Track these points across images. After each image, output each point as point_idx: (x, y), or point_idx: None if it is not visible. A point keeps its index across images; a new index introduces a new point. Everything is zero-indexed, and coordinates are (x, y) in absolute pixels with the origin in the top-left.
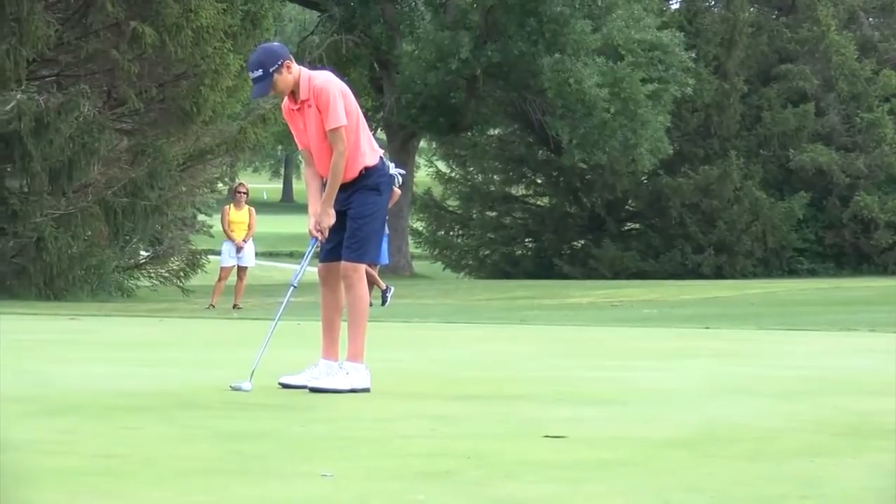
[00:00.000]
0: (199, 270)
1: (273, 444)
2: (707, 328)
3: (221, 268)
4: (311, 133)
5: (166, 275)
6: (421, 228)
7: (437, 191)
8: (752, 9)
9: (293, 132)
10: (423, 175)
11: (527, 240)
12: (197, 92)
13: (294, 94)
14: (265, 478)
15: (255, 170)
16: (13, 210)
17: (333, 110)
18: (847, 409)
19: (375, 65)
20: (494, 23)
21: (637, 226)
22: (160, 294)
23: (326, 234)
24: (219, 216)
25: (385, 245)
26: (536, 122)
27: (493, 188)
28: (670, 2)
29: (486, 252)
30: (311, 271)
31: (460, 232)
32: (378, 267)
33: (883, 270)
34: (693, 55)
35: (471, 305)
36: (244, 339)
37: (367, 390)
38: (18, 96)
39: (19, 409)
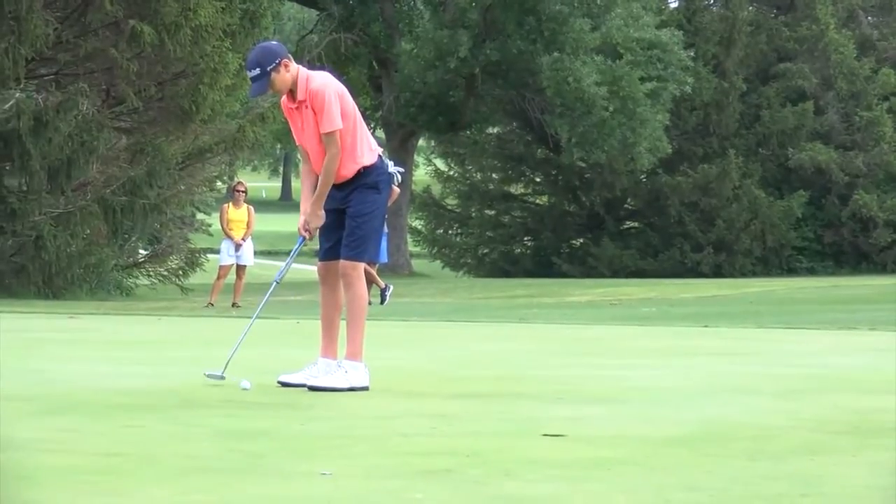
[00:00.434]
0: (198, 269)
1: (272, 442)
2: (706, 327)
3: (220, 266)
4: (307, 133)
5: (165, 273)
6: (420, 227)
7: (436, 189)
8: (750, 7)
9: (292, 129)
10: (421, 173)
11: (526, 238)
12: (196, 90)
13: (293, 92)
14: (265, 476)
15: (254, 168)
16: (12, 208)
17: (328, 114)
18: (847, 408)
19: (374, 63)
20: (493, 21)
21: (636, 224)
22: (159, 293)
23: (315, 234)
24: (217, 215)
25: (384, 243)
26: (535, 120)
27: (491, 187)
28: (669, 0)
29: (485, 251)
30: (307, 270)
31: (459, 230)
32: (377, 265)
33: (882, 269)
34: (692, 54)
35: (470, 304)
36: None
37: (365, 389)
38: (17, 95)
39: (20, 407)
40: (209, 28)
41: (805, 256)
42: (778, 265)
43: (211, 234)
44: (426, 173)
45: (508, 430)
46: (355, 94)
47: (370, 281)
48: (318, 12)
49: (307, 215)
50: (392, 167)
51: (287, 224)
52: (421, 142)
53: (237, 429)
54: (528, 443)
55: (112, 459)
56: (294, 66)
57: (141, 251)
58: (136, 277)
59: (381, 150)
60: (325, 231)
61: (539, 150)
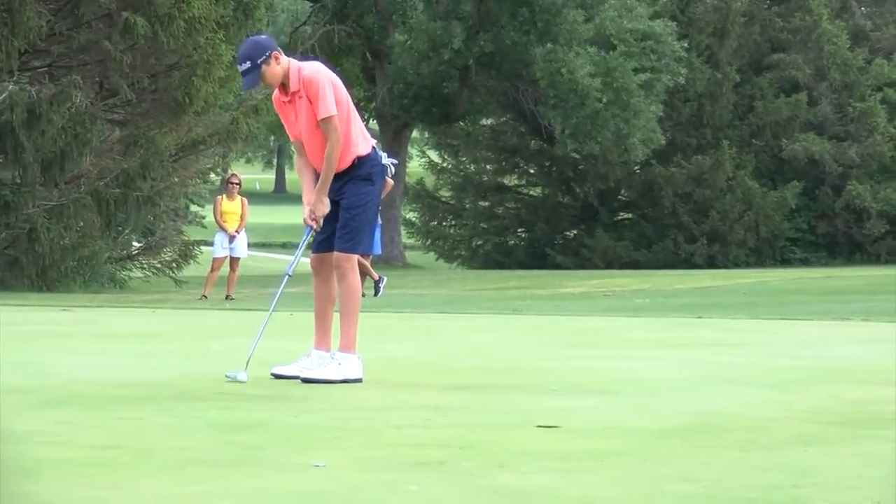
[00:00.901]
0: (192, 261)
1: (267, 434)
2: (700, 318)
3: (214, 258)
4: (302, 124)
5: (159, 266)
6: (413, 219)
7: (430, 181)
8: None
9: (284, 124)
10: (415, 165)
11: (519, 230)
12: (189, 82)
13: (284, 86)
14: (259, 468)
15: (248, 160)
16: (5, 201)
17: (324, 100)
18: (840, 398)
19: (368, 55)
20: (487, 13)
21: (630, 215)
22: (153, 285)
23: (321, 222)
24: (211, 207)
25: (377, 235)
26: (529, 111)
27: (485, 178)
28: None
29: (479, 242)
30: (304, 262)
31: (453, 222)
32: (371, 257)
33: (875, 259)
34: (685, 45)
35: (463, 295)
36: (237, 330)
37: (359, 381)
38: (10, 87)
39: (16, 400)
40: (202, 20)
41: (799, 247)
42: (771, 256)
43: (205, 227)
44: (420, 165)
45: (502, 421)
46: (349, 86)
47: (364, 273)
48: (311, 4)
49: (312, 204)
50: (386, 159)
51: (281, 216)
52: (415, 133)
53: (232, 421)
54: (521, 434)
55: (108, 452)
56: (284, 59)
57: (134, 243)
58: (130, 270)
59: (375, 141)
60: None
61: (533, 142)
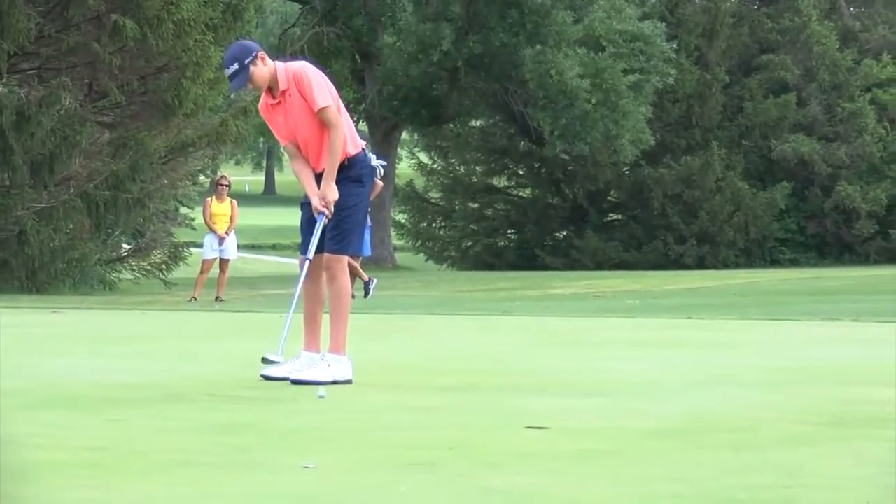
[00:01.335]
0: (182, 263)
1: (256, 436)
2: (690, 318)
3: (204, 260)
4: (297, 122)
5: (148, 268)
6: (403, 220)
7: (420, 182)
8: None
9: (273, 129)
10: (405, 167)
11: (509, 231)
12: (178, 84)
13: (272, 89)
14: (249, 470)
15: (238, 162)
16: None
17: (317, 91)
18: (831, 399)
19: (357, 57)
20: (476, 14)
21: (619, 217)
22: (142, 287)
23: (332, 208)
24: (201, 209)
25: (367, 237)
26: (518, 113)
27: (475, 179)
28: None
29: (469, 243)
30: (291, 263)
31: (443, 223)
32: (360, 259)
33: (865, 260)
34: (674, 46)
35: (453, 297)
36: (227, 332)
37: (349, 382)
38: None
39: (5, 402)
40: (191, 22)
41: (788, 248)
42: (761, 257)
43: (194, 229)
44: (409, 166)
45: (492, 422)
46: (338, 88)
47: (354, 274)
48: (300, 6)
49: (320, 193)
50: (375, 160)
51: (271, 218)
52: (404, 135)
53: (221, 422)
54: (511, 435)
55: (97, 454)
56: (270, 62)
57: (124, 245)
58: (120, 272)
59: (365, 143)
60: (307, 225)
61: (522, 143)
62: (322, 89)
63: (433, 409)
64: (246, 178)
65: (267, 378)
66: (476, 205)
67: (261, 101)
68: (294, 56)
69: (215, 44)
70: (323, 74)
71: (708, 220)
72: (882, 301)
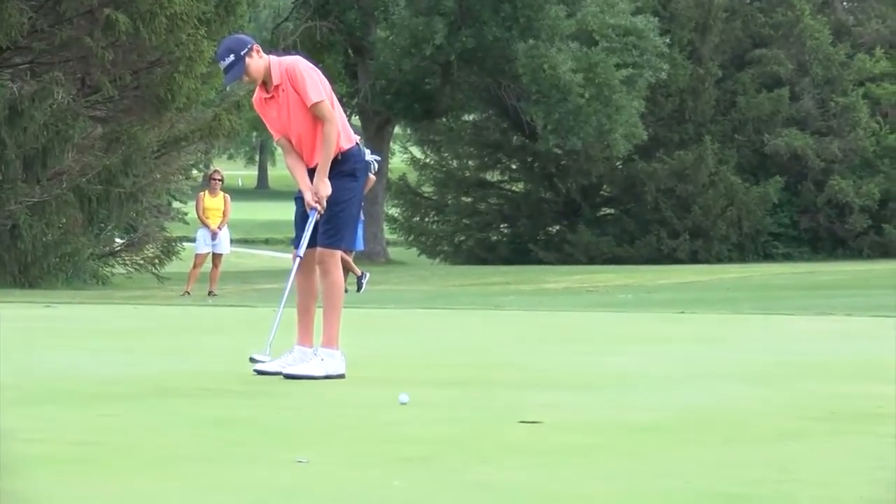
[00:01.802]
0: (174, 257)
1: (249, 430)
2: (683, 313)
3: (196, 255)
4: (290, 117)
5: (141, 262)
6: (396, 215)
7: (412, 177)
8: None
9: (267, 123)
10: (397, 161)
11: (502, 225)
12: (171, 79)
13: (266, 83)
14: (242, 464)
15: (230, 157)
16: None
17: (311, 86)
18: (823, 394)
19: (350, 51)
20: (469, 8)
21: (612, 211)
22: (135, 281)
23: (325, 203)
24: (193, 203)
25: (360, 231)
26: (511, 107)
27: (468, 174)
28: None
29: (462, 238)
30: (283, 257)
31: (435, 218)
32: (353, 253)
33: (858, 254)
34: (667, 40)
35: (446, 291)
36: (219, 326)
37: (342, 376)
38: None
39: None
40: (184, 16)
41: (781, 242)
42: (754, 251)
43: (187, 223)
44: (402, 161)
45: (485, 417)
46: (331, 82)
47: (346, 269)
48: (293, 0)
49: (313, 187)
50: (368, 155)
51: (263, 212)
52: (397, 129)
53: (214, 417)
54: (504, 430)
55: (89, 448)
56: (265, 55)
57: (117, 240)
58: (112, 266)
59: (359, 137)
60: (302, 219)
61: (515, 137)
62: (315, 84)
63: (426, 404)
64: (239, 172)
65: (260, 373)
66: (469, 199)
67: (255, 95)
68: (287, 50)
69: (208, 38)
70: (316, 69)
71: (701, 215)
72: (875, 295)
